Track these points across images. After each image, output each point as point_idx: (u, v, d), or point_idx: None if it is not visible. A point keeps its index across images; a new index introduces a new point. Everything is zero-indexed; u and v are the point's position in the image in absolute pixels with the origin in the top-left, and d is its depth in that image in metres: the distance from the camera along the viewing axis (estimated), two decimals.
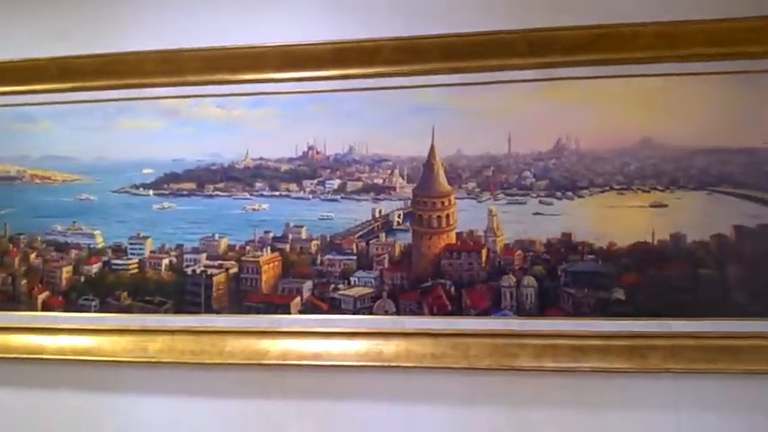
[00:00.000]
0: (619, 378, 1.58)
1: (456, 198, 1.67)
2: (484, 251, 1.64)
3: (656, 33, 1.56)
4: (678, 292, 1.56)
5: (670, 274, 1.56)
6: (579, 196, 1.61)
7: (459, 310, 1.65)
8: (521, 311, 1.62)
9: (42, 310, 1.83)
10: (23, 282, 1.84)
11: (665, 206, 1.58)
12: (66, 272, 1.81)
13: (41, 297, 1.83)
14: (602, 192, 1.60)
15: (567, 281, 1.60)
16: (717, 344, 1.55)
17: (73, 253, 1.82)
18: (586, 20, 1.57)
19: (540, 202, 1.63)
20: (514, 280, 1.62)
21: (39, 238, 1.84)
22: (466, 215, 1.66)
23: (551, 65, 1.59)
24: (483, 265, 1.64)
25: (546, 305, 1.61)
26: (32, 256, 1.84)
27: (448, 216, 1.67)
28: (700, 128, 1.56)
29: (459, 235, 1.67)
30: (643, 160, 1.58)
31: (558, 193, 1.62)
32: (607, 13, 1.57)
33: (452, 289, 1.65)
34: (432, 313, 1.65)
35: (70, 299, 1.81)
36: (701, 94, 1.57)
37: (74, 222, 1.83)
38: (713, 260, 1.55)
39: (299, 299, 1.70)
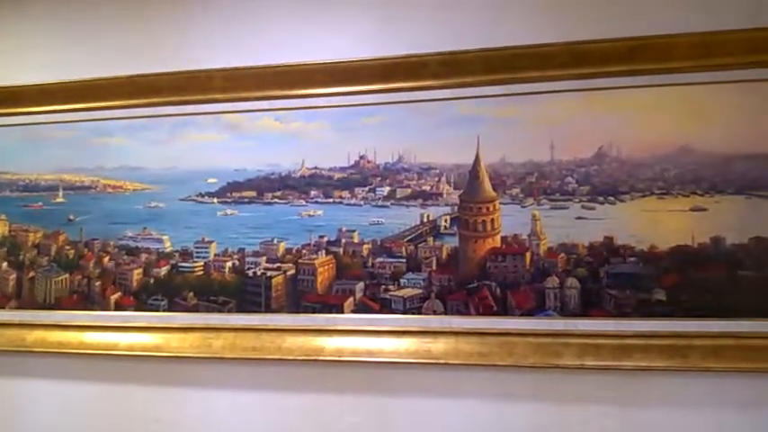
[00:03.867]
0: (660, 377, 1.73)
1: (500, 203, 1.85)
2: (528, 254, 1.82)
3: (690, 44, 1.70)
4: (718, 293, 1.70)
5: (710, 276, 1.71)
6: (621, 201, 1.78)
7: (504, 311, 1.82)
8: (564, 312, 1.78)
9: (115, 309, 2.09)
10: (97, 283, 2.11)
11: (705, 210, 1.72)
12: (137, 274, 2.08)
13: (114, 297, 2.09)
14: (643, 197, 1.76)
15: (610, 282, 1.76)
16: (757, 343, 1.68)
17: (143, 256, 2.08)
18: (623, 32, 1.73)
19: (583, 206, 1.80)
20: (558, 281, 1.79)
21: (112, 243, 2.12)
22: (510, 220, 1.85)
23: (590, 75, 1.76)
24: (527, 267, 1.82)
25: (589, 306, 1.77)
26: (106, 259, 2.12)
27: (493, 220, 1.86)
28: (737, 134, 1.71)
29: (503, 238, 1.85)
30: (682, 166, 1.73)
31: (600, 198, 1.79)
32: (643, 26, 1.73)
33: (498, 290, 1.83)
34: (478, 313, 1.84)
35: (140, 299, 2.07)
36: (737, 101, 1.71)
37: (144, 228, 2.09)
38: (752, 262, 1.69)
39: (352, 299, 1.91)
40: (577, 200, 1.79)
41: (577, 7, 1.79)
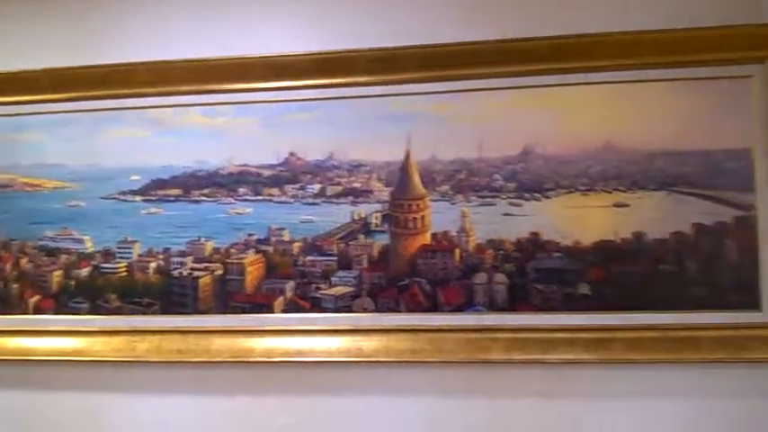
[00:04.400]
0: (585, 369, 1.77)
1: (430, 200, 1.87)
2: (457, 250, 1.84)
3: (615, 43, 1.75)
4: (640, 286, 1.76)
5: (632, 270, 1.76)
6: (546, 197, 1.82)
7: (434, 307, 1.84)
8: (493, 307, 1.81)
9: (34, 313, 2.01)
10: (15, 286, 2.02)
11: (628, 206, 1.78)
12: (57, 276, 2.00)
13: (33, 300, 2.01)
14: (568, 193, 1.81)
15: (536, 277, 1.80)
16: (677, 335, 1.74)
17: (63, 257, 2.01)
18: (550, 30, 1.77)
19: (510, 203, 1.84)
20: (486, 277, 1.82)
21: (30, 244, 2.03)
22: (440, 217, 1.86)
23: (518, 73, 1.79)
24: (456, 263, 1.84)
25: (516, 301, 1.80)
26: (24, 261, 2.03)
27: (423, 218, 1.87)
28: (659, 132, 1.77)
29: (433, 235, 1.86)
30: (605, 163, 1.79)
31: (527, 195, 1.83)
32: (570, 24, 1.77)
33: (428, 287, 1.85)
34: (408, 310, 1.85)
35: (61, 302, 1.99)
36: (659, 100, 1.77)
37: (64, 228, 2.02)
38: (673, 256, 1.75)
39: (282, 298, 1.89)
40: (504, 197, 1.82)
41: (507, 6, 1.82)
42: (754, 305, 1.73)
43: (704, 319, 1.74)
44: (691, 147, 1.75)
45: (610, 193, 1.77)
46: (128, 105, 1.96)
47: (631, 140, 1.76)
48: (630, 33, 1.73)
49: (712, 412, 1.75)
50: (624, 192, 1.77)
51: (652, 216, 1.76)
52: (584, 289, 1.76)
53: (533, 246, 1.79)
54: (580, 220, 1.78)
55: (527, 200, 1.81)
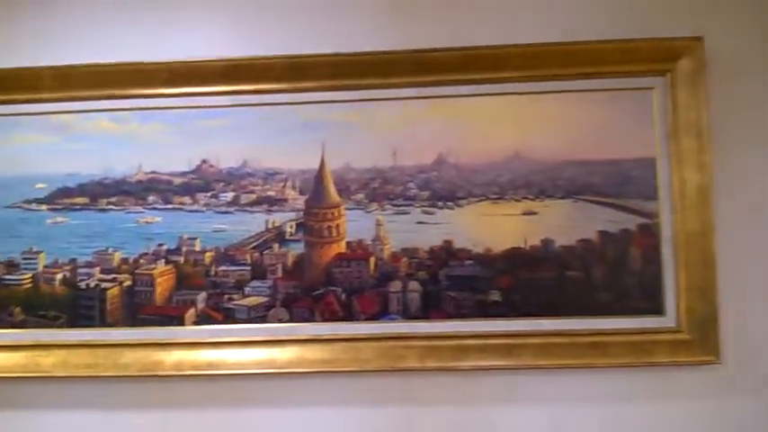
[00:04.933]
0: (496, 375, 1.81)
1: (345, 209, 1.87)
2: (372, 259, 1.85)
3: (524, 55, 1.80)
4: (549, 293, 1.81)
5: (541, 277, 1.81)
6: (458, 206, 1.85)
7: (349, 316, 1.84)
8: (407, 315, 1.83)
9: None
10: None
11: (536, 214, 1.82)
12: None
13: None
14: (479, 201, 1.84)
15: (449, 285, 1.82)
16: (585, 341, 1.80)
17: None
18: (462, 42, 1.80)
19: (423, 211, 1.86)
20: (401, 285, 1.83)
21: None
22: (355, 225, 1.87)
23: (431, 83, 1.82)
24: (371, 272, 1.85)
25: (430, 308, 1.82)
26: None
27: (338, 226, 1.88)
28: (566, 142, 1.82)
29: (348, 244, 1.87)
30: (515, 172, 1.83)
31: (440, 203, 1.85)
32: (481, 36, 1.80)
33: (343, 296, 1.85)
34: (324, 319, 1.84)
35: None
36: (566, 110, 1.82)
37: None
38: (580, 263, 1.81)
39: (193, 310, 1.86)
40: (418, 205, 1.84)
41: (419, 17, 1.84)
42: (658, 310, 1.79)
43: (611, 325, 1.80)
44: (597, 156, 1.81)
45: (519, 201, 1.81)
46: (32, 111, 1.88)
47: (540, 150, 1.81)
48: (538, 46, 1.78)
49: (621, 415, 1.82)
50: (533, 200, 1.81)
51: (560, 224, 1.80)
52: (495, 296, 1.80)
53: (446, 254, 1.82)
54: (491, 228, 1.82)
55: (440, 208, 1.84)
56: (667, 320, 1.79)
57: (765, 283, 1.78)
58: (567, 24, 1.82)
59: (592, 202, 1.80)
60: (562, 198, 1.80)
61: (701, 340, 1.76)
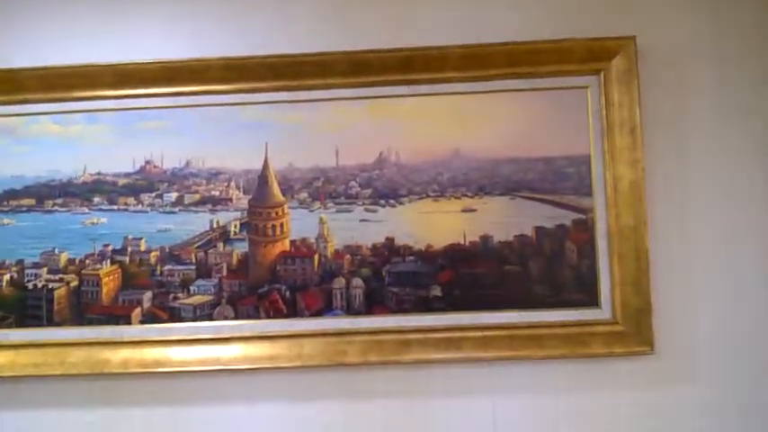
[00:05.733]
0: (438, 368, 1.87)
1: (289, 208, 1.92)
2: (316, 256, 1.91)
3: (462, 55, 1.85)
4: (488, 287, 1.87)
5: (480, 272, 1.87)
6: (400, 203, 1.90)
7: (294, 313, 1.90)
8: (350, 311, 1.88)
9: None
10: None
11: (475, 210, 1.89)
12: None
13: None
14: (420, 199, 1.90)
15: (391, 281, 1.88)
16: (523, 333, 1.86)
17: None
18: (400, 42, 1.85)
19: (366, 209, 1.91)
20: (344, 282, 1.89)
21: None
22: (299, 224, 1.92)
23: (370, 84, 1.87)
24: (315, 269, 1.90)
25: (373, 304, 1.88)
26: None
27: (282, 225, 1.93)
28: (502, 140, 1.88)
29: (292, 242, 1.92)
30: (454, 170, 1.89)
31: (382, 201, 1.91)
32: (418, 37, 1.86)
33: (288, 293, 1.90)
34: (269, 316, 1.90)
35: None
36: (503, 109, 1.88)
37: None
38: (517, 258, 1.87)
39: (139, 309, 1.91)
40: (361, 203, 1.89)
41: (357, 18, 1.90)
42: (594, 303, 1.86)
43: (548, 317, 1.86)
44: (533, 154, 1.87)
45: (459, 198, 1.87)
46: None
47: (478, 149, 1.87)
48: (474, 46, 1.83)
49: (556, 405, 1.88)
50: (472, 197, 1.87)
51: (497, 220, 1.87)
52: (436, 291, 1.86)
53: (388, 250, 1.87)
54: (432, 225, 1.88)
55: (382, 206, 1.89)
56: (603, 313, 1.85)
57: (697, 275, 1.85)
58: (503, 25, 1.87)
59: (528, 198, 1.87)
60: (500, 195, 1.87)
61: (635, 332, 1.83)
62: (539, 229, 1.86)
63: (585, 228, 1.85)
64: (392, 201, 1.88)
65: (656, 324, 1.82)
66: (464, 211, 1.86)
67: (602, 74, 1.85)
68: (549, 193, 1.87)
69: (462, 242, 1.86)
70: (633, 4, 1.88)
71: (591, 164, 1.86)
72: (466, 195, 1.86)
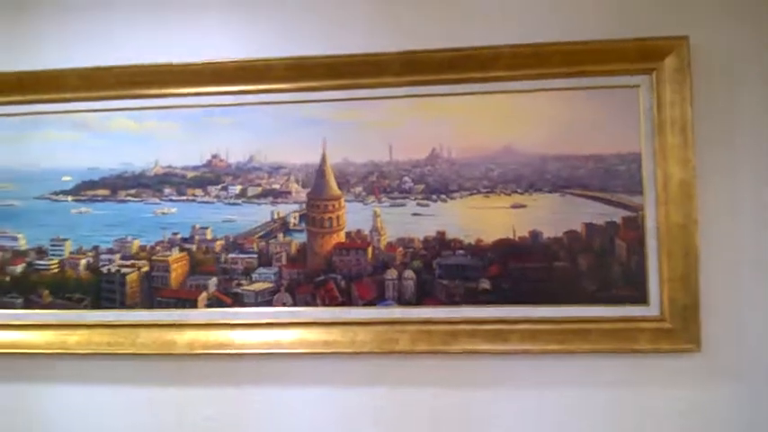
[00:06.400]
0: (484, 359, 1.94)
1: (345, 201, 2.03)
2: (369, 248, 2.01)
3: (513, 55, 1.91)
4: (536, 281, 1.93)
5: (529, 266, 1.94)
6: (451, 199, 1.99)
7: (348, 301, 2.00)
8: (402, 301, 1.98)
9: None
10: None
11: (525, 206, 1.95)
12: None
13: None
14: (471, 194, 1.98)
15: (441, 273, 1.97)
16: (570, 327, 1.92)
17: None
18: (453, 43, 1.93)
19: (418, 204, 2.00)
20: (396, 273, 1.99)
21: None
22: (354, 216, 2.03)
23: (423, 83, 1.95)
24: (369, 260, 2.01)
25: (423, 295, 1.97)
26: None
27: (338, 217, 2.04)
28: (553, 137, 1.94)
29: (348, 234, 2.03)
30: (505, 166, 1.96)
31: (434, 196, 2.00)
32: (470, 37, 1.94)
33: (342, 282, 2.01)
34: (324, 304, 2.01)
35: None
36: (554, 107, 1.94)
37: None
38: (566, 253, 1.93)
39: (205, 294, 2.05)
40: (413, 198, 1.98)
41: (410, 20, 1.98)
42: (642, 299, 1.90)
43: (595, 313, 1.91)
44: (584, 151, 1.92)
45: (509, 195, 1.94)
46: (58, 110, 2.08)
47: (529, 145, 1.93)
48: (526, 46, 1.89)
49: (601, 399, 1.93)
50: (522, 194, 1.94)
51: (547, 216, 1.93)
52: (484, 284, 1.93)
53: (439, 244, 1.96)
54: (482, 220, 1.95)
55: (434, 201, 1.98)
56: (650, 309, 1.89)
57: (745, 274, 1.87)
58: (555, 25, 1.92)
59: (578, 195, 1.92)
60: (550, 192, 1.92)
61: (682, 329, 1.86)
62: (588, 226, 1.90)
63: (635, 225, 1.89)
64: (443, 196, 1.97)
65: (704, 322, 1.84)
66: (514, 206, 1.93)
67: (654, 73, 1.88)
68: (600, 191, 1.91)
69: (512, 237, 1.92)
70: (685, 4, 1.90)
71: (641, 162, 1.90)
72: (516, 191, 1.93)
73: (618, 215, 1.90)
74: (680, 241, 1.85)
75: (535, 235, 1.92)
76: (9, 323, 2.11)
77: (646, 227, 1.90)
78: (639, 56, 1.88)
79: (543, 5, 1.94)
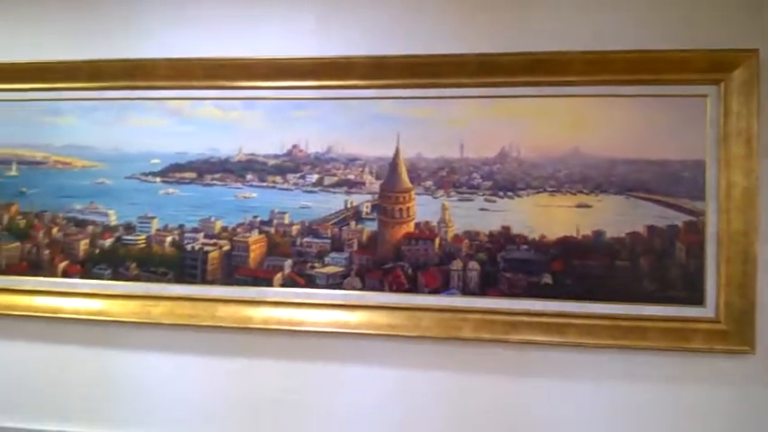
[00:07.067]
0: (542, 350, 2.06)
1: (415, 194, 2.16)
2: (437, 239, 2.14)
3: (585, 61, 2.01)
4: (597, 279, 2.04)
5: (591, 264, 2.04)
6: (518, 196, 2.10)
7: (414, 289, 2.14)
8: (466, 291, 2.11)
9: (62, 276, 2.34)
10: (46, 252, 2.36)
11: (590, 207, 2.06)
12: (84, 244, 2.34)
13: (61, 265, 2.35)
14: (537, 193, 2.09)
15: (505, 266, 2.09)
16: (627, 324, 2.02)
17: (90, 229, 2.34)
18: (528, 47, 2.04)
19: (486, 199, 2.13)
20: (461, 264, 2.12)
21: (60, 215, 2.36)
22: (423, 209, 2.16)
23: (497, 84, 2.06)
24: (436, 251, 2.14)
25: (486, 286, 2.09)
26: (55, 230, 2.36)
27: (408, 209, 2.17)
28: (620, 141, 2.03)
29: (417, 225, 2.16)
30: (572, 168, 2.06)
31: (501, 193, 2.12)
32: (544, 42, 2.04)
33: (410, 270, 2.15)
34: (391, 290, 2.15)
35: (86, 268, 2.33)
36: (623, 113, 2.03)
37: (91, 202, 2.34)
38: (628, 253, 2.03)
39: (280, 274, 2.21)
40: (481, 193, 2.11)
41: (487, 24, 2.09)
42: (699, 301, 1.99)
43: (652, 311, 2.00)
44: (649, 156, 2.01)
45: (574, 194, 2.05)
46: (150, 96, 2.25)
47: (596, 149, 2.03)
48: (598, 53, 1.98)
49: (653, 395, 2.03)
50: (587, 194, 2.04)
51: (611, 217, 2.03)
52: (546, 278, 2.05)
53: (504, 238, 2.08)
54: (547, 218, 2.06)
55: (501, 197, 2.10)
56: (707, 311, 1.98)
57: None
58: (628, 33, 2.00)
59: (642, 198, 2.02)
60: (615, 194, 2.02)
61: (737, 332, 1.95)
62: (650, 228, 1.99)
63: (696, 229, 1.97)
64: (510, 193, 2.08)
65: (758, 327, 1.92)
66: (579, 206, 2.03)
67: (722, 84, 1.95)
68: (663, 195, 2.00)
69: (575, 235, 2.03)
70: (755, 17, 1.95)
71: (705, 169, 1.97)
72: (582, 192, 2.03)
73: (679, 219, 1.99)
74: (739, 247, 1.93)
75: (598, 234, 2.02)
76: (98, 292, 2.29)
77: (706, 232, 1.98)
78: (709, 67, 1.95)
79: (616, 14, 2.02)
